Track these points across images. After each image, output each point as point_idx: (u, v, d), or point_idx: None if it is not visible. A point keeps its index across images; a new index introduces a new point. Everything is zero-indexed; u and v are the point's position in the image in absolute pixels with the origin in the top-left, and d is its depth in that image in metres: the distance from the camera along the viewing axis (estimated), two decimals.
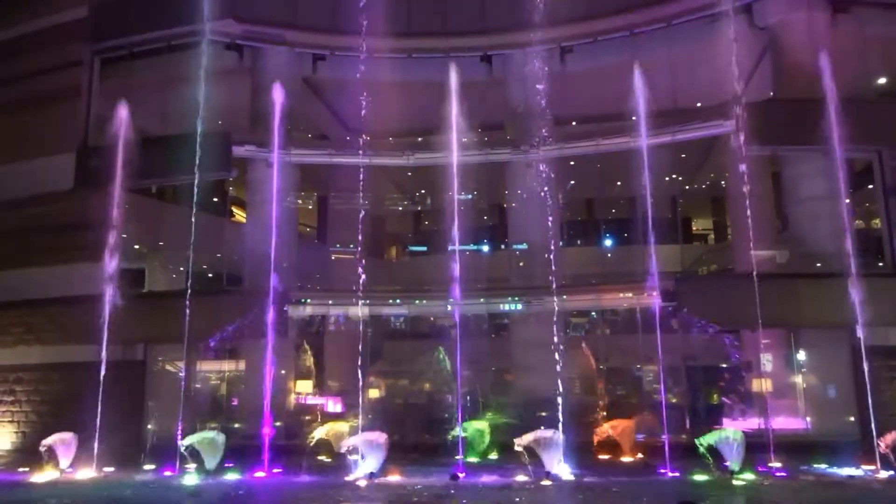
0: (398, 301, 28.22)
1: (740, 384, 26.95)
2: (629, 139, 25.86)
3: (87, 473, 20.18)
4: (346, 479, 18.20)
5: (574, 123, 31.51)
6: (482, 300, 26.90)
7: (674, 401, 24.46)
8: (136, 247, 29.38)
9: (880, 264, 24.31)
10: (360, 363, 22.15)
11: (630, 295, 25.86)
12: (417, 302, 28.09)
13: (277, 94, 23.86)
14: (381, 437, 18.85)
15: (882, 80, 28.16)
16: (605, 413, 24.44)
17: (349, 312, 27.84)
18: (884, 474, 17.79)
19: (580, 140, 27.64)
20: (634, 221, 35.08)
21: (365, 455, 18.53)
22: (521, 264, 27.74)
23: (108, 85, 27.99)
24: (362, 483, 17.75)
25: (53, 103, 27.19)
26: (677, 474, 18.03)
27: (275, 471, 19.34)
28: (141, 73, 28.07)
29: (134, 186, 26.19)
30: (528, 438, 18.08)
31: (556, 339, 22.67)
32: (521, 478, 17.79)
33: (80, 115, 27.23)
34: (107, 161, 25.91)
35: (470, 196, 36.57)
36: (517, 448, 18.11)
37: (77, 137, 27.02)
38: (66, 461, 20.43)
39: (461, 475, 18.17)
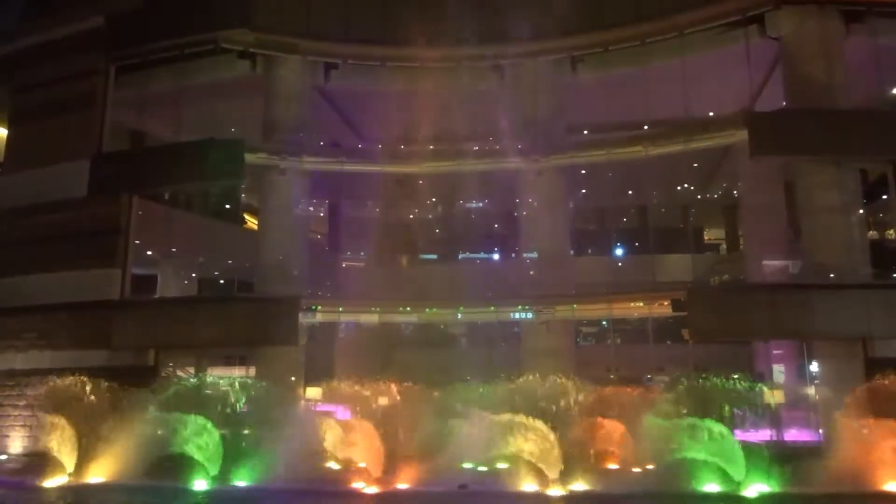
0: (409, 309, 28.15)
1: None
2: (640, 148, 25.83)
3: (96, 478, 20.19)
4: (353, 485, 18.18)
5: (585, 132, 31.47)
6: (492, 308, 26.85)
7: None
8: (149, 253, 29.59)
9: (895, 275, 24.10)
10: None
11: (641, 305, 25.76)
12: (428, 310, 28.02)
13: (291, 103, 23.95)
14: None
15: None
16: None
17: (360, 320, 27.89)
18: None
19: (591, 149, 27.57)
20: (646, 231, 35.24)
21: None
22: (531, 273, 27.62)
23: (122, 93, 28.32)
24: (369, 491, 17.71)
25: (69, 111, 27.54)
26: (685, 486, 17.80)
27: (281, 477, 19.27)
28: (155, 82, 28.32)
29: (147, 193, 26.39)
30: None
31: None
32: (528, 488, 17.67)
33: (94, 123, 27.47)
34: (120, 168, 26.26)
35: (481, 204, 36.78)
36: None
37: (92, 145, 27.24)
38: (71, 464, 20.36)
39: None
